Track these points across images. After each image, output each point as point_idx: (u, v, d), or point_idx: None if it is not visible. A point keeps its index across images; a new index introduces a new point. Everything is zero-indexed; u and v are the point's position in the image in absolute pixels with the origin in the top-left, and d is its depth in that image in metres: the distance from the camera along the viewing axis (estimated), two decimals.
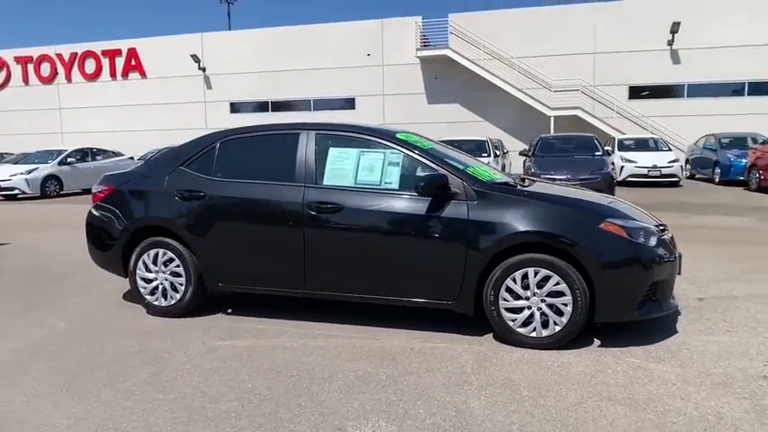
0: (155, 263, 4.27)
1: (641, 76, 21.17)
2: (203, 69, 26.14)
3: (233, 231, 4.06)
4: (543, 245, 3.46)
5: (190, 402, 2.88)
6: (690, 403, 2.80)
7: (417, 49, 23.15)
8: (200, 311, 4.32)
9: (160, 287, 4.28)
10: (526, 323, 3.53)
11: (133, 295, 4.57)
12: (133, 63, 27.31)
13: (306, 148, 3.99)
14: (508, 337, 3.57)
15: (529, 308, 3.52)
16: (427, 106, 23.87)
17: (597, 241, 3.39)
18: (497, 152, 15.54)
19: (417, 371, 3.25)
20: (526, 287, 3.51)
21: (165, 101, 26.72)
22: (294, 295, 4.09)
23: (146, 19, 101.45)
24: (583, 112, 21.10)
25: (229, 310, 4.42)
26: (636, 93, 21.42)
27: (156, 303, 4.31)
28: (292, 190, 3.91)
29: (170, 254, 4.21)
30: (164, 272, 4.26)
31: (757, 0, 19.51)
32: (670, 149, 16.11)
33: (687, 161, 18.01)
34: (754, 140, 15.60)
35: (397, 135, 4.01)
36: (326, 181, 3.89)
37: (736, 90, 20.27)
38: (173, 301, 4.27)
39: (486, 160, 10.93)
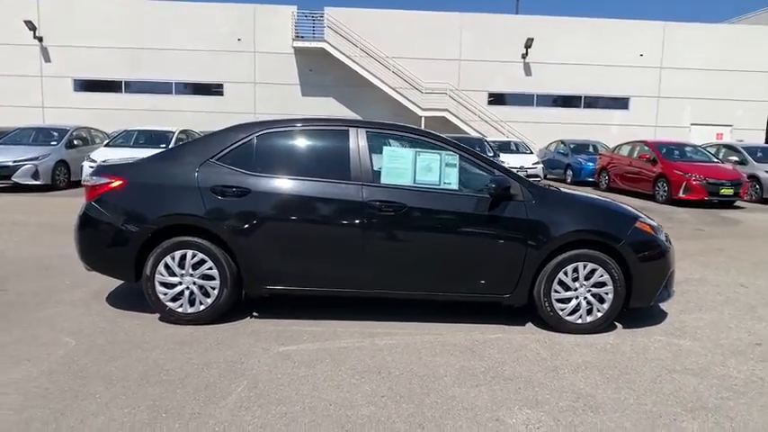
0: (181, 265, 3.84)
1: (499, 84, 23.46)
2: (40, 39, 22.51)
3: (284, 231, 3.83)
4: (592, 241, 3.91)
5: (326, 412, 2.76)
6: (732, 369, 3.45)
7: (293, 39, 22.74)
8: (221, 318, 3.98)
9: (186, 292, 3.86)
10: (573, 311, 3.96)
11: (128, 303, 4.09)
12: None
13: (358, 145, 3.93)
14: (557, 324, 3.97)
15: (576, 298, 3.95)
16: (301, 98, 23.60)
17: (635, 238, 3.94)
18: None
19: (505, 361, 3.47)
20: (575, 279, 3.93)
21: None
22: (348, 295, 4.00)
23: None
24: (450, 114, 22.73)
25: (255, 314, 4.15)
26: (494, 99, 23.68)
27: (179, 311, 3.87)
28: (350, 188, 3.83)
29: (201, 255, 3.82)
30: (192, 275, 3.85)
31: (593, 27, 22.87)
32: (531, 152, 18.19)
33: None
34: (595, 147, 18.40)
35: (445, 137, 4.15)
36: (384, 180, 3.89)
37: (574, 102, 23.55)
38: (202, 308, 3.87)
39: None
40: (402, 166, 3.93)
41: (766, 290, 5.39)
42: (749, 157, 14.13)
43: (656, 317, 4.41)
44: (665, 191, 12.71)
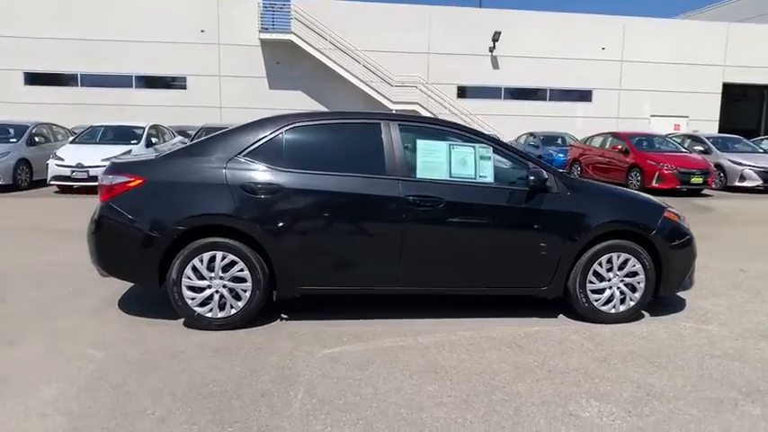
0: (210, 268, 3.64)
1: (467, 78, 23.63)
2: None
3: (319, 229, 3.68)
4: (625, 231, 3.94)
5: (399, 416, 2.66)
6: (767, 352, 3.56)
7: (259, 31, 22.21)
8: (252, 322, 3.81)
9: (216, 296, 3.67)
10: (607, 301, 3.99)
11: (143, 309, 3.89)
12: None
13: (391, 139, 3.82)
14: (592, 315, 3.98)
15: (610, 288, 3.98)
16: (269, 91, 23.12)
17: (664, 227, 4.00)
18: None
19: (553, 354, 3.46)
20: (609, 270, 3.96)
21: None
22: (383, 293, 3.90)
23: None
24: (420, 107, 22.72)
25: (284, 316, 3.99)
26: (463, 92, 23.84)
27: (209, 316, 3.67)
28: (386, 183, 3.72)
29: (231, 256, 3.63)
30: (221, 278, 3.66)
31: (557, 21, 23.30)
32: None
33: None
34: (563, 139, 18.79)
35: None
36: (420, 174, 3.79)
37: (540, 95, 23.98)
38: (233, 312, 3.69)
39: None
40: (437, 160, 3.85)
41: (766, 273, 5.60)
42: (713, 147, 14.73)
43: (676, 305, 4.50)
44: (638, 180, 13.09)
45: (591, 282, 3.95)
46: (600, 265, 3.93)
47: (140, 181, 3.63)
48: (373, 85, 22.58)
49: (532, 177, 3.77)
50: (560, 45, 23.23)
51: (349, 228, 3.71)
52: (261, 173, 3.66)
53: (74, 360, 3.21)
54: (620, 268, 3.96)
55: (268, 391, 2.88)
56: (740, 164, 13.75)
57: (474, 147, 3.92)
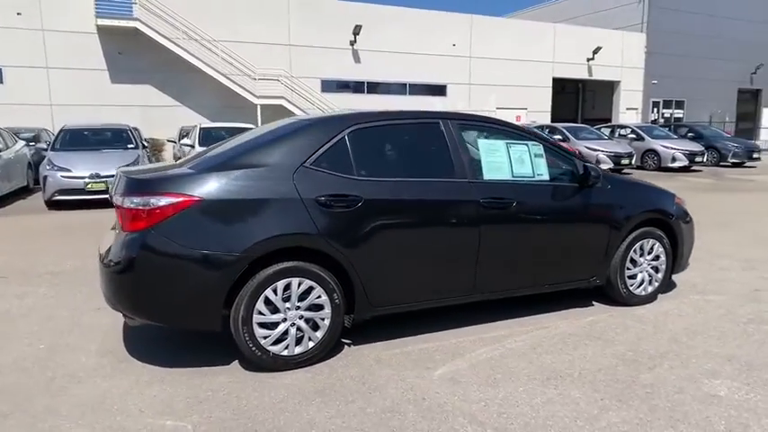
0: (286, 298, 3.09)
1: (331, 71, 23.43)
2: None
3: (400, 241, 3.34)
4: (653, 219, 4.25)
5: (596, 423, 2.54)
6: None
7: (96, 16, 19.40)
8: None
9: (292, 330, 3.13)
10: (639, 285, 4.29)
11: (165, 357, 3.20)
12: None
13: (455, 139, 3.62)
14: (628, 299, 4.25)
15: (641, 272, 4.28)
16: (111, 86, 20.36)
17: (679, 212, 4.41)
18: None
19: (632, 340, 3.62)
20: (641, 255, 4.25)
21: None
22: (456, 303, 3.68)
23: None
24: (287, 101, 21.97)
25: (348, 341, 3.57)
26: (327, 86, 23.61)
27: (284, 354, 3.13)
28: (461, 187, 3.52)
29: (308, 282, 3.13)
30: (298, 308, 3.13)
31: (413, 17, 24.21)
32: None
33: None
34: None
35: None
36: (487, 175, 3.66)
37: (401, 90, 24.77)
38: (311, 345, 3.19)
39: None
40: (499, 160, 3.75)
41: (732, 241, 6.47)
42: (646, 136, 17.24)
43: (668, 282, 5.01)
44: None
45: (628, 268, 4.20)
46: (635, 251, 4.21)
47: (194, 201, 2.92)
48: (234, 78, 21.22)
49: (592, 173, 3.87)
50: (417, 41, 24.23)
51: (429, 237, 3.44)
52: (333, 183, 3.19)
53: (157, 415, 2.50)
54: (649, 253, 4.28)
55: (426, 429, 2.55)
56: (672, 148, 16.46)
57: (527, 144, 3.89)
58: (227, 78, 20.89)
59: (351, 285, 3.25)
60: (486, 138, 3.79)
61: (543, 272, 3.89)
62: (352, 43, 23.40)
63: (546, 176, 3.89)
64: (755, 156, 17.60)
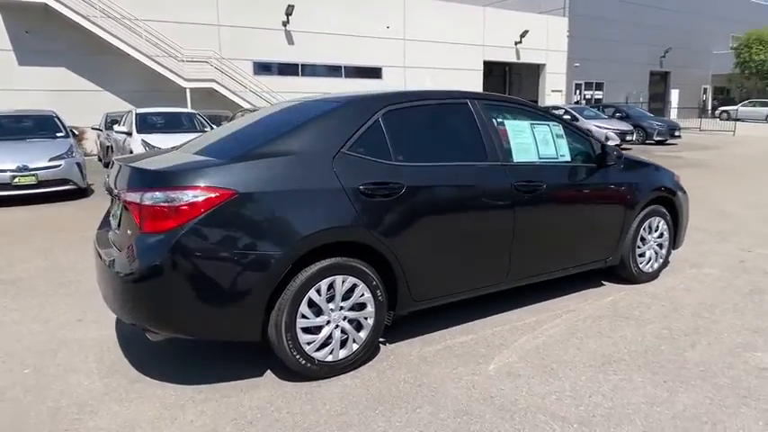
0: (329, 298, 2.80)
1: (263, 53, 22.45)
2: None
3: (440, 230, 3.12)
4: (660, 197, 4.30)
5: (634, 414, 2.48)
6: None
7: None
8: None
9: (336, 333, 2.85)
10: (647, 262, 4.35)
11: (180, 371, 2.86)
12: None
13: (484, 120, 3.43)
14: (638, 276, 4.29)
15: (649, 249, 4.34)
16: (18, 68, 18.36)
17: (680, 189, 4.50)
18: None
19: (657, 317, 3.64)
20: (649, 233, 4.31)
21: None
22: (488, 292, 3.52)
23: None
24: (218, 84, 20.82)
25: (381, 339, 3.33)
26: (260, 68, 22.64)
27: (329, 360, 2.84)
28: (494, 170, 3.35)
29: (352, 279, 2.85)
30: (341, 308, 2.85)
31: None
32: None
33: None
34: None
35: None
36: (516, 158, 3.51)
37: (337, 72, 24.23)
38: (355, 347, 2.92)
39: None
40: (526, 141, 3.61)
41: (697, 215, 6.72)
42: (579, 116, 18.41)
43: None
44: None
45: (638, 246, 4.24)
46: (644, 230, 4.25)
47: (229, 195, 2.54)
48: (160, 60, 19.81)
49: (615, 153, 3.84)
50: (352, 22, 23.72)
51: (468, 224, 3.24)
52: (375, 170, 2.92)
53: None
54: (655, 230, 4.34)
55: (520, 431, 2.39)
56: (604, 128, 17.62)
57: (548, 125, 3.78)
58: (153, 60, 19.48)
59: (393, 280, 3.00)
60: (512, 118, 3.63)
61: (569, 254, 3.82)
62: (285, 24, 22.53)
63: (568, 157, 3.81)
64: (677, 134, 18.87)
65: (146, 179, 2.61)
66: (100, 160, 14.63)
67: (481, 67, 27.90)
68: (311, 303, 2.75)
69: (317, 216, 2.71)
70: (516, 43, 28.75)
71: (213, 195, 2.52)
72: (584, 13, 30.78)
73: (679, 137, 19.11)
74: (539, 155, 3.64)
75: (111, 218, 3.15)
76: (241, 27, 21.71)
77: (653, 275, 4.40)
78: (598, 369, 2.94)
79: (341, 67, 24.28)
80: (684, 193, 4.59)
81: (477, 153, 3.35)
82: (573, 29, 30.28)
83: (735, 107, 31.73)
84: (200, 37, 20.83)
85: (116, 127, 11.60)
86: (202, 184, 2.53)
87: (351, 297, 2.87)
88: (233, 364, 3.00)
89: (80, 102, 18.64)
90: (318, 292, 2.75)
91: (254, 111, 4.33)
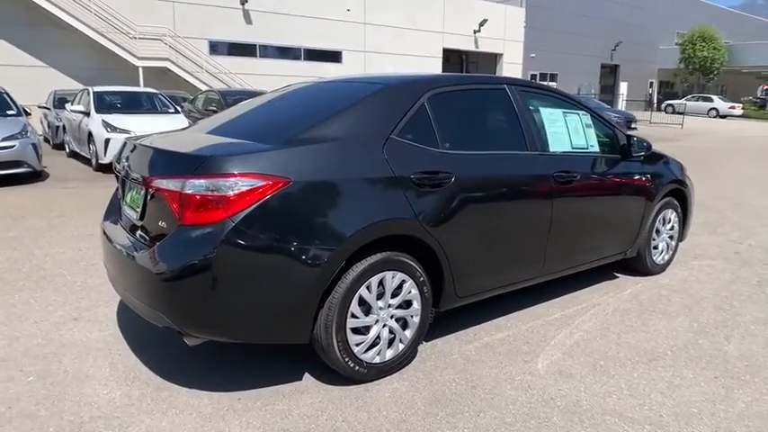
0: (380, 296, 2.59)
1: (220, 32, 21.50)
2: None
3: (486, 222, 2.97)
4: (673, 189, 4.31)
5: (720, 402, 2.45)
6: None
7: None
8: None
9: (384, 333, 2.66)
10: (660, 254, 4.37)
11: (207, 380, 2.63)
12: None
13: (522, 107, 3.30)
14: (651, 268, 4.31)
15: (662, 242, 4.36)
16: None
17: (689, 180, 4.53)
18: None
19: (682, 311, 3.65)
20: (662, 225, 4.32)
21: None
22: (523, 287, 3.40)
23: None
24: (172, 64, 19.80)
25: None
26: (216, 48, 21.69)
27: (376, 361, 2.65)
28: (535, 160, 3.23)
29: (401, 275, 2.66)
30: (390, 306, 2.66)
31: None
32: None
33: None
34: None
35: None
36: (552, 147, 3.39)
37: (295, 54, 23.55)
38: (401, 347, 2.74)
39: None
40: (560, 131, 3.50)
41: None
42: (591, 106, 18.42)
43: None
44: None
45: (654, 238, 4.25)
46: (659, 222, 4.26)
47: (283, 184, 2.28)
48: (111, 36, 18.60)
49: (645, 144, 3.81)
50: (312, 4, 23.08)
51: (512, 216, 3.11)
52: (424, 157, 2.72)
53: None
54: (667, 222, 4.36)
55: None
56: (612, 117, 17.58)
57: (578, 114, 3.69)
58: (103, 36, 18.29)
59: (440, 275, 2.83)
60: (547, 106, 3.51)
61: (596, 246, 3.77)
62: (243, 3, 21.64)
63: (596, 148, 3.74)
64: (633, 126, 19.50)
65: (187, 164, 2.30)
66: (47, 141, 13.59)
67: (441, 54, 27.87)
68: (361, 301, 2.54)
69: (371, 207, 2.50)
70: (475, 32, 28.86)
71: (267, 183, 2.26)
72: (540, 4, 31.27)
73: (635, 128, 19.78)
74: (571, 144, 3.54)
75: (125, 206, 2.80)
76: (197, 4, 20.73)
77: (663, 267, 4.44)
78: (646, 365, 2.89)
79: (300, 49, 23.65)
80: (691, 184, 4.64)
81: (519, 142, 3.21)
82: (529, 19, 30.71)
83: (680, 101, 33.22)
84: (154, 14, 19.73)
85: (69, 106, 10.77)
86: (256, 171, 2.26)
87: (399, 294, 2.68)
88: (265, 369, 2.76)
89: (22, 78, 17.25)
90: (369, 289, 2.55)
91: (263, 94, 4.02)
